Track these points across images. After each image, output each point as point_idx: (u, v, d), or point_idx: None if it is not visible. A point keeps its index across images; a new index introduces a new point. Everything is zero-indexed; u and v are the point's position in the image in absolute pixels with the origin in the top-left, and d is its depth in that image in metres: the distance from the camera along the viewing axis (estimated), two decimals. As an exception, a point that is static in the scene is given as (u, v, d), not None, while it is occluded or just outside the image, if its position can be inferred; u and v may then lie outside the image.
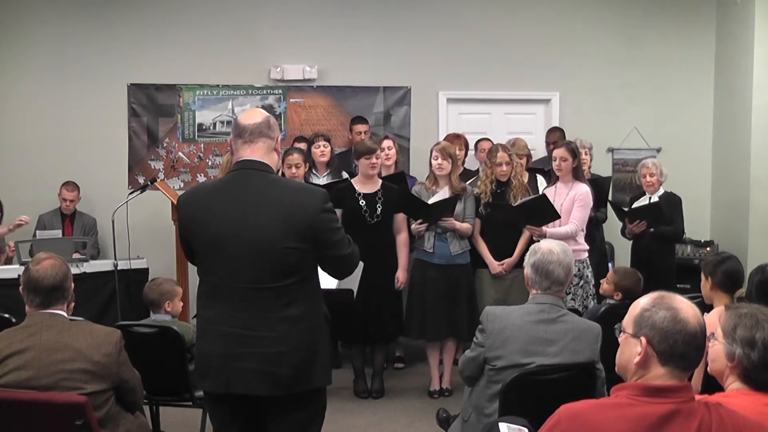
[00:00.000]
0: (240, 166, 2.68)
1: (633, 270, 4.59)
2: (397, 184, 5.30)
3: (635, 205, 5.88)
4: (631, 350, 1.86)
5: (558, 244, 3.12)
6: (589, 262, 5.06)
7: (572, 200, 5.01)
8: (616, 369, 1.95)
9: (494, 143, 5.66)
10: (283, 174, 5.18)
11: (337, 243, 2.66)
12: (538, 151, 6.71)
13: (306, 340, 2.61)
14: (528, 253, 3.15)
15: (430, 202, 5.00)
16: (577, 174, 5.11)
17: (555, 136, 6.45)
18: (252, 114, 2.73)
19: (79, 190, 6.59)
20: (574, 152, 5.09)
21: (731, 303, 3.10)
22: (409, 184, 5.54)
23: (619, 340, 1.93)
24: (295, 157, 5.27)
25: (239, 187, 2.64)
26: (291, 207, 2.59)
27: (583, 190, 5.05)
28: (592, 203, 5.16)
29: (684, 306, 1.84)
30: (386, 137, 5.87)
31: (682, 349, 1.80)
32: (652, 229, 5.62)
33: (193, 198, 2.73)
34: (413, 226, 5.03)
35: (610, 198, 6.25)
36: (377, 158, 5.09)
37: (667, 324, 1.81)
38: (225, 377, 2.60)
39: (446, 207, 4.96)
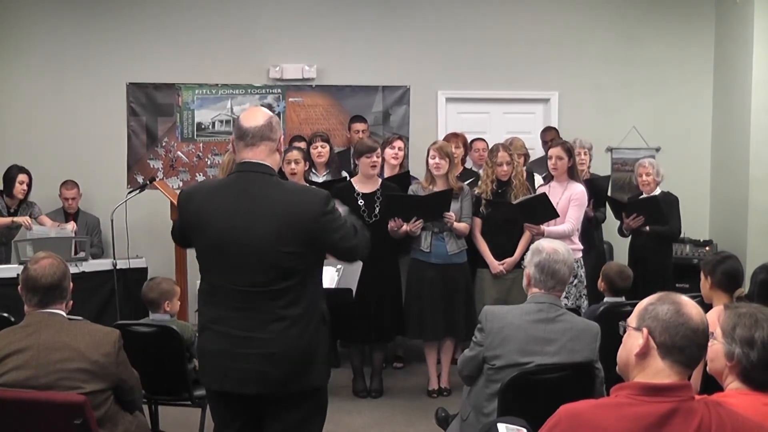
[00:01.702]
0: (242, 168, 2.67)
1: (623, 265, 4.61)
2: (403, 183, 5.29)
3: (634, 203, 5.89)
4: (632, 342, 1.87)
5: (561, 244, 3.13)
6: (582, 262, 5.09)
7: (568, 199, 5.05)
8: (617, 368, 1.95)
9: (489, 144, 5.67)
10: (283, 172, 5.18)
11: (339, 240, 2.65)
12: (537, 150, 6.71)
13: (302, 341, 2.61)
14: (530, 252, 3.15)
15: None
16: (572, 173, 5.14)
17: (551, 134, 6.48)
18: (254, 115, 2.71)
19: (79, 187, 6.60)
20: (570, 151, 5.13)
21: (731, 302, 3.10)
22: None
23: (623, 338, 1.94)
24: (294, 154, 5.27)
25: (240, 189, 2.64)
26: (291, 211, 2.59)
27: (579, 189, 5.09)
28: (587, 202, 5.18)
29: (688, 303, 1.86)
30: (399, 137, 5.85)
31: (681, 342, 1.81)
32: (647, 228, 5.62)
33: (194, 197, 2.73)
34: (409, 226, 4.99)
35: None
36: (378, 157, 5.08)
37: (669, 316, 1.82)
38: (222, 376, 2.62)
39: (440, 200, 4.94)
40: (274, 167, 2.70)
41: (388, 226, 4.95)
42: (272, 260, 2.57)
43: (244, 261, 2.57)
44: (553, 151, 5.15)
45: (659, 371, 1.82)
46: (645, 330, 1.84)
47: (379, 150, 5.12)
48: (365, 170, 5.05)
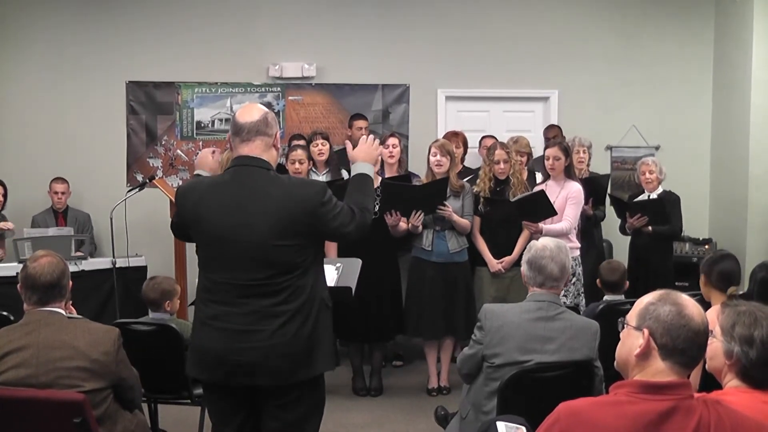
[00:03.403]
0: (238, 163, 2.68)
1: (618, 262, 4.62)
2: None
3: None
4: (632, 342, 1.86)
5: (552, 241, 3.12)
6: (580, 260, 5.11)
7: (565, 198, 5.08)
8: (615, 364, 1.95)
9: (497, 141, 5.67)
10: (285, 169, 5.18)
11: (338, 227, 2.65)
12: (538, 149, 6.70)
13: (304, 331, 2.61)
14: (525, 250, 3.16)
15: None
16: (568, 172, 5.16)
17: (554, 132, 6.48)
18: (249, 111, 2.72)
19: (69, 184, 6.59)
20: (567, 151, 5.17)
21: (727, 301, 3.10)
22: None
23: (621, 334, 1.93)
24: (299, 153, 5.28)
25: (238, 184, 2.64)
26: (289, 204, 2.59)
27: (576, 188, 5.12)
28: (584, 201, 5.19)
29: (690, 304, 1.85)
30: (392, 135, 5.79)
31: (683, 344, 1.80)
32: (650, 228, 5.63)
33: (192, 193, 2.73)
34: (411, 220, 4.98)
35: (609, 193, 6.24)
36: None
37: (671, 318, 1.81)
38: (223, 371, 2.62)
39: (437, 189, 4.93)
40: (271, 162, 2.71)
41: (387, 221, 4.94)
42: (272, 254, 2.57)
43: (243, 256, 2.58)
44: (550, 152, 5.18)
45: (659, 372, 1.82)
46: (646, 331, 1.83)
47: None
48: (366, 168, 5.05)
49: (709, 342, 2.12)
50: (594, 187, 5.63)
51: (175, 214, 2.86)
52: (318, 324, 2.67)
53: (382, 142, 5.44)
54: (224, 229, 2.60)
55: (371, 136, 2.95)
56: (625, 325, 1.91)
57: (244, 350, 2.57)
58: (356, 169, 2.83)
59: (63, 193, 6.55)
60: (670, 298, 1.85)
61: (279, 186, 2.65)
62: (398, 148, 5.47)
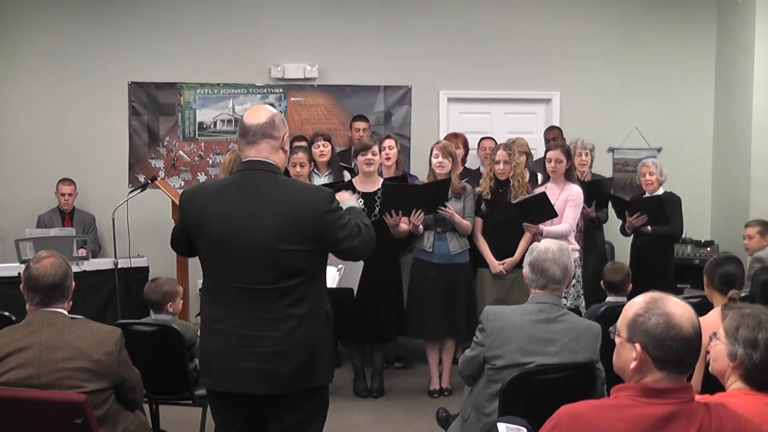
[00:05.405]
0: (246, 166, 2.67)
1: (622, 264, 4.62)
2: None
3: (636, 203, 5.89)
4: (627, 354, 1.86)
5: (555, 243, 3.12)
6: (580, 262, 5.11)
7: (565, 200, 5.09)
8: (613, 369, 1.95)
9: (498, 143, 5.69)
10: (288, 172, 5.18)
11: (344, 239, 2.65)
12: (539, 151, 6.71)
13: (307, 339, 2.61)
14: (527, 252, 3.16)
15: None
16: (569, 175, 5.17)
17: (554, 133, 6.50)
18: (256, 113, 2.71)
19: (76, 185, 6.60)
20: (569, 153, 5.20)
21: (730, 303, 3.11)
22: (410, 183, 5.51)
23: (615, 341, 1.93)
24: (300, 156, 5.27)
25: (244, 187, 2.64)
26: (296, 209, 2.58)
27: (576, 190, 5.13)
28: (583, 203, 5.20)
29: (678, 310, 1.83)
30: (388, 136, 5.77)
31: (677, 354, 1.80)
32: (649, 228, 5.62)
33: (197, 196, 2.72)
34: (411, 222, 4.98)
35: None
36: (373, 154, 5.06)
37: (661, 330, 1.80)
38: (227, 376, 2.61)
39: (438, 190, 4.92)
40: (278, 165, 2.70)
41: (387, 221, 4.93)
42: (277, 258, 2.57)
43: (249, 259, 2.57)
44: (551, 154, 5.19)
45: (657, 380, 1.82)
46: (638, 346, 1.82)
47: (375, 148, 5.11)
48: (362, 168, 5.07)
49: (712, 344, 2.12)
50: (597, 190, 5.63)
51: (179, 220, 2.85)
52: (321, 334, 2.67)
53: (379, 144, 5.46)
54: (229, 232, 2.59)
55: (352, 194, 3.11)
56: (617, 335, 1.91)
57: (248, 355, 2.57)
58: (346, 205, 2.86)
59: (70, 194, 6.57)
60: (657, 308, 1.83)
61: (286, 190, 2.64)
62: (395, 150, 5.47)
